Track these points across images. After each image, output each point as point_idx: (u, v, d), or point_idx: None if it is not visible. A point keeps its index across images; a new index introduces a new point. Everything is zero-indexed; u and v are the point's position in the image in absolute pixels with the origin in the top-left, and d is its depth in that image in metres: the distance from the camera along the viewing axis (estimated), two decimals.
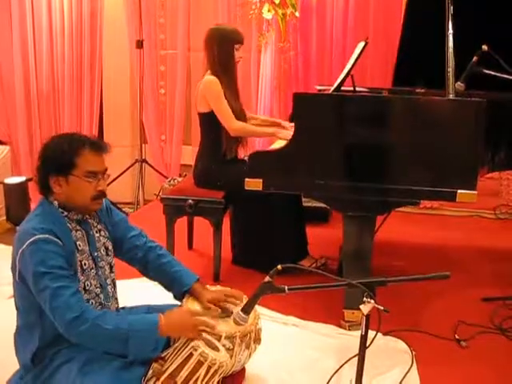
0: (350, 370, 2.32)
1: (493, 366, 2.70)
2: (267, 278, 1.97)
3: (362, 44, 3.19)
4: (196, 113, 3.67)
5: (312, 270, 2.09)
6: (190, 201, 3.42)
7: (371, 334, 1.97)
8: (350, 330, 2.93)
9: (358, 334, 2.87)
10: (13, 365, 2.16)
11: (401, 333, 2.86)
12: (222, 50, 3.50)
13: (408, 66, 3.78)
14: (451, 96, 2.71)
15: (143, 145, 5.31)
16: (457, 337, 2.89)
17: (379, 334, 1.97)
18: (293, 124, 3.65)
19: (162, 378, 1.93)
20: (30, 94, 5.44)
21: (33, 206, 4.90)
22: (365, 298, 1.97)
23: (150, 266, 2.31)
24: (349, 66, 3.18)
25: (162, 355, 1.98)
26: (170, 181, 5.13)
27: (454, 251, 4.13)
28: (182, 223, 3.75)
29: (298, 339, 2.89)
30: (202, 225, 3.90)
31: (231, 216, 3.80)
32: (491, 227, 4.67)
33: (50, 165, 2.02)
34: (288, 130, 3.59)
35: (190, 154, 5.41)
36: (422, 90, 3.64)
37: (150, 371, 1.96)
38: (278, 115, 4.96)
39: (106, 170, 2.11)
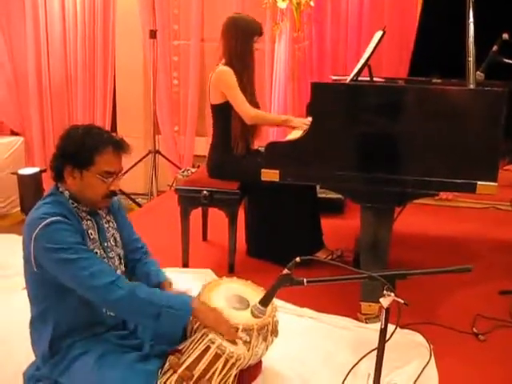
0: (368, 363, 2.30)
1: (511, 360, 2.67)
2: (286, 271, 1.94)
3: (379, 33, 3.14)
4: (209, 103, 3.65)
5: (331, 263, 2.05)
6: (205, 192, 3.39)
7: (390, 327, 1.94)
8: (366, 322, 2.90)
9: (374, 326, 2.89)
10: (29, 357, 2.15)
11: (418, 326, 2.82)
12: (241, 42, 3.44)
13: (424, 55, 3.73)
14: (472, 86, 2.66)
15: (156, 136, 5.30)
16: (475, 330, 2.86)
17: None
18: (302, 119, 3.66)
19: (180, 371, 1.91)
20: (42, 86, 5.43)
21: None
22: (385, 291, 1.95)
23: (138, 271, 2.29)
24: (366, 55, 3.13)
25: (179, 348, 1.96)
26: (183, 171, 5.11)
27: (470, 243, 4.08)
28: (196, 214, 3.73)
29: (313, 332, 2.87)
30: (216, 216, 3.88)
31: (246, 207, 3.78)
32: (508, 219, 4.60)
33: (69, 156, 1.99)
34: (300, 119, 3.57)
35: (203, 145, 5.37)
36: (439, 80, 3.59)
37: (167, 363, 1.95)
38: (292, 105, 4.94)
39: (122, 170, 2.09)
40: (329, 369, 2.57)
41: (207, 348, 1.92)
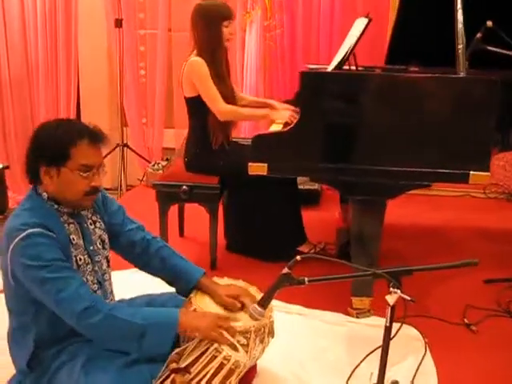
0: (366, 361, 2.25)
1: (506, 350, 2.65)
2: (285, 270, 1.85)
3: (363, 20, 3.05)
4: (178, 95, 3.49)
5: (332, 260, 1.97)
6: (185, 187, 3.26)
7: (382, 321, 1.90)
8: (358, 317, 2.84)
9: (366, 321, 2.84)
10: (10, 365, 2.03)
11: (410, 319, 2.77)
12: (209, 29, 3.26)
13: (403, 43, 3.67)
14: (462, 74, 2.61)
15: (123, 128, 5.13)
16: (466, 321, 2.84)
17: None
18: (286, 105, 3.56)
19: None
20: (1, 77, 5.16)
21: (10, 193, 4.70)
22: (391, 288, 1.90)
23: (151, 261, 2.16)
24: (348, 43, 3.04)
25: (182, 366, 1.85)
26: (153, 165, 4.97)
27: (449, 232, 4.08)
28: (171, 210, 3.59)
29: (305, 328, 2.80)
30: (191, 211, 3.77)
31: (225, 202, 3.66)
32: (482, 206, 4.64)
33: (42, 153, 1.84)
34: (280, 111, 3.45)
35: (172, 137, 5.25)
36: (416, 69, 3.55)
37: (167, 381, 1.85)
38: (263, 95, 4.84)
39: (103, 163, 1.94)
40: (324, 365, 2.52)
41: (221, 365, 1.83)
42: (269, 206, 3.42)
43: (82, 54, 5.16)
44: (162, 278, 2.19)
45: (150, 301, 2.18)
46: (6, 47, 5.10)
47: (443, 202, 4.66)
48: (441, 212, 4.46)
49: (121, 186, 4.98)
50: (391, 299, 1.90)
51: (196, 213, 3.66)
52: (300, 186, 4.12)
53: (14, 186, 4.94)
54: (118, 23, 4.80)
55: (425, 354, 2.56)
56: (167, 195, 3.33)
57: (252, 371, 2.25)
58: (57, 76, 5.15)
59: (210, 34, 3.27)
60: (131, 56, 5.05)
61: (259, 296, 2.12)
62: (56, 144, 1.83)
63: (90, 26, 5.09)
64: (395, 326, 1.96)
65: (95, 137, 1.89)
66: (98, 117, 5.20)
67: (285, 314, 2.88)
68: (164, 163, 5.00)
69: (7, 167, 4.62)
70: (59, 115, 5.11)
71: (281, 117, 3.33)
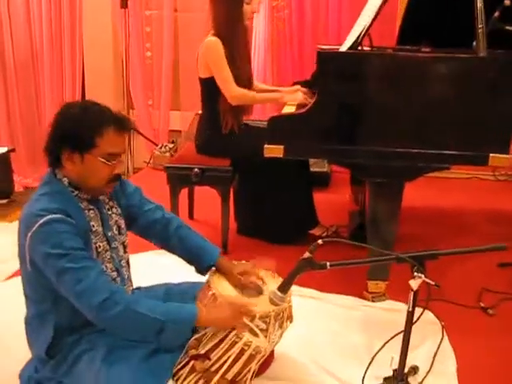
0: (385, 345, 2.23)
1: None
2: (307, 254, 1.82)
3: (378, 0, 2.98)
4: (184, 76, 3.41)
5: (355, 244, 1.94)
6: (197, 169, 3.22)
7: (398, 305, 1.88)
8: (373, 301, 2.82)
9: (382, 305, 2.81)
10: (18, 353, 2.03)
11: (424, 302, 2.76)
12: (229, 4, 3.16)
13: (415, 24, 3.62)
14: (482, 54, 2.55)
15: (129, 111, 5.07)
16: (482, 305, 2.82)
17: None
18: (297, 87, 3.51)
19: (215, 380, 1.82)
20: (5, 61, 5.10)
21: (15, 177, 4.66)
22: (415, 273, 1.87)
23: (170, 241, 2.14)
24: (363, 22, 2.96)
25: (202, 352, 1.83)
26: (160, 148, 4.92)
27: (460, 215, 4.05)
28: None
29: (320, 312, 2.77)
30: (200, 194, 3.74)
31: (236, 185, 3.61)
32: (492, 189, 4.61)
33: (66, 139, 1.79)
34: (293, 94, 3.41)
35: (178, 120, 5.20)
36: (427, 49, 3.49)
37: (188, 366, 1.84)
38: (271, 76, 4.81)
39: (126, 150, 1.91)
40: (340, 350, 2.49)
41: (242, 350, 1.81)
42: (280, 189, 3.38)
43: (87, 36, 5.09)
44: (181, 257, 2.18)
45: (168, 290, 2.16)
46: (9, 29, 5.03)
47: (451, 185, 4.60)
48: (450, 195, 4.42)
49: (128, 168, 4.95)
50: (415, 284, 1.88)
51: (205, 196, 3.63)
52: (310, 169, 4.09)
53: (20, 170, 4.91)
54: (124, 3, 4.74)
55: (442, 338, 2.52)
56: (179, 178, 3.30)
57: (270, 356, 2.23)
58: (61, 58, 5.09)
59: (229, 10, 3.16)
60: (137, 37, 4.99)
61: (277, 280, 2.11)
62: (82, 131, 1.78)
63: (95, 7, 5.01)
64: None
65: (121, 124, 1.84)
66: (103, 99, 5.02)
67: (299, 299, 2.84)
68: (171, 145, 4.96)
69: (13, 150, 4.58)
70: (64, 97, 5.07)
71: (294, 99, 3.29)
